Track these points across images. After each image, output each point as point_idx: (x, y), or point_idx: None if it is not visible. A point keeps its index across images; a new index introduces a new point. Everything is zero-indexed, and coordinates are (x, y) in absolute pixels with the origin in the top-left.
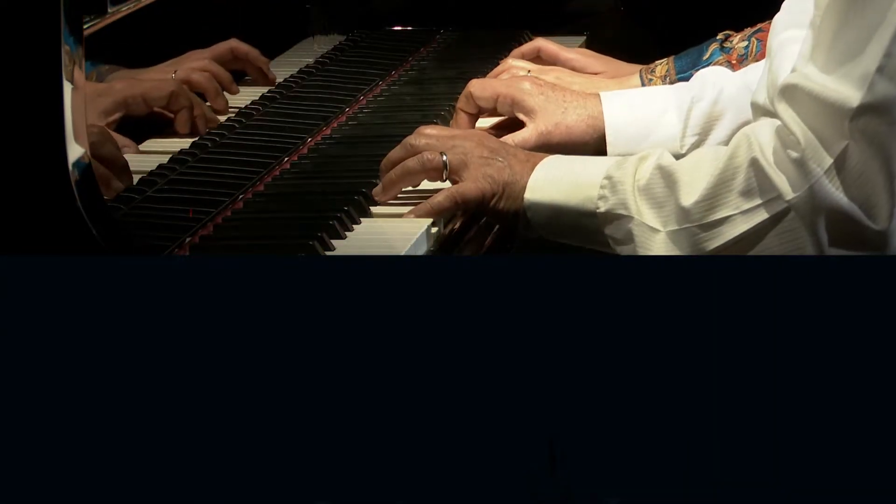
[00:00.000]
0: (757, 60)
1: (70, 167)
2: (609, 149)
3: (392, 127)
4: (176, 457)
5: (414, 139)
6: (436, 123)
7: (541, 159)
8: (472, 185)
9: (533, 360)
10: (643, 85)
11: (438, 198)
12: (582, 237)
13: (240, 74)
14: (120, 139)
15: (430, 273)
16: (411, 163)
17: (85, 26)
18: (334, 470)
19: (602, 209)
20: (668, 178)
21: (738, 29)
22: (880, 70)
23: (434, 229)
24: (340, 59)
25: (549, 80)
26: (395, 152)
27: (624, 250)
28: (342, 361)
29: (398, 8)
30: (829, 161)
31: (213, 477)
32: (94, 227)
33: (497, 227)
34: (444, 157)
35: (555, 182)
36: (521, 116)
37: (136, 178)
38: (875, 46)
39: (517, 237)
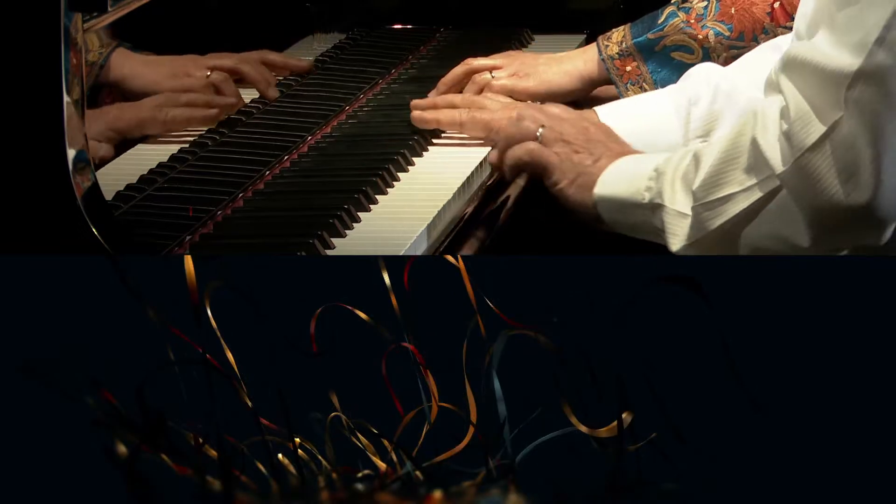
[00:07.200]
0: (717, 20)
1: (70, 166)
2: None
3: (392, 125)
4: (177, 456)
5: (529, 120)
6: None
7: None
8: (556, 158)
9: None
10: (600, 52)
11: (517, 151)
12: (640, 230)
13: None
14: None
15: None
16: (512, 129)
17: (85, 24)
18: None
19: (646, 200)
20: (696, 163)
21: None
22: (880, 41)
23: (434, 230)
24: (340, 57)
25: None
26: (498, 112)
27: (669, 241)
28: (342, 359)
29: (398, 6)
30: (817, 133)
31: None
32: (95, 226)
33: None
34: (540, 132)
35: (619, 177)
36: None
37: (135, 177)
38: (876, 18)
39: (593, 227)
